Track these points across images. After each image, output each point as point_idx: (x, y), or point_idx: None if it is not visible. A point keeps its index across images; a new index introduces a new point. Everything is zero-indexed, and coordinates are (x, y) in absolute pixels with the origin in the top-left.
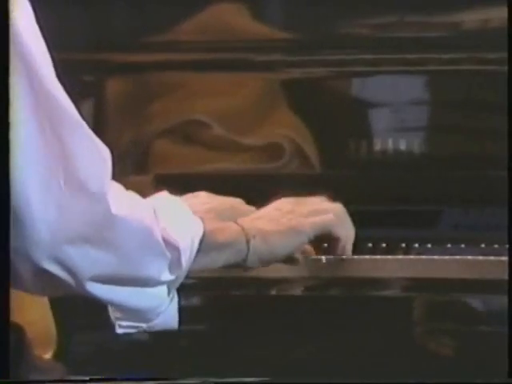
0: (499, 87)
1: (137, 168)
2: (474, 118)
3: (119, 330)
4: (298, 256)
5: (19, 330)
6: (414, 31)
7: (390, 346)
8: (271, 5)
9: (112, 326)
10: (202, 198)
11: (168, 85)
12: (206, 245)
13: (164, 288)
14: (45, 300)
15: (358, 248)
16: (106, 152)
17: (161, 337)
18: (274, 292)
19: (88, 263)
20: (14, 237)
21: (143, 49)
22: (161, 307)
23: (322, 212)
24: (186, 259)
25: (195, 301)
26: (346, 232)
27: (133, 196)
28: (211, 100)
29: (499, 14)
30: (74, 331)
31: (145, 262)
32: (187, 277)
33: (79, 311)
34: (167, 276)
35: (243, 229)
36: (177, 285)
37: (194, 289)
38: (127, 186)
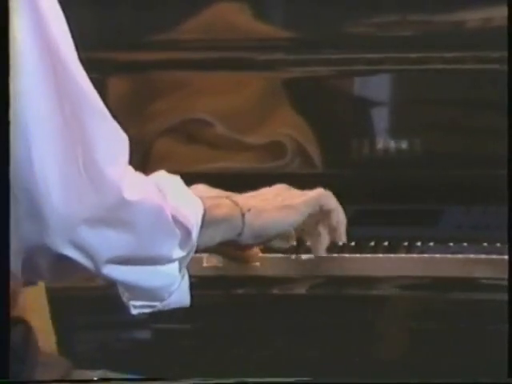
0: (501, 86)
1: (139, 166)
2: (476, 116)
3: (134, 311)
4: (292, 235)
5: (24, 323)
6: (416, 30)
7: (390, 344)
8: (273, 4)
9: (112, 326)
10: (201, 189)
11: (171, 83)
12: (205, 221)
13: (175, 266)
14: (43, 297)
15: (360, 246)
16: (124, 139)
17: (161, 337)
18: (275, 291)
19: (105, 245)
20: (32, 228)
21: (146, 47)
22: (173, 285)
23: (310, 193)
24: (195, 235)
25: (196, 300)
26: (337, 206)
27: (141, 177)
28: (214, 99)
29: (501, 13)
30: (74, 330)
31: (157, 241)
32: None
33: (80, 310)
34: (179, 253)
35: (237, 204)
36: (187, 261)
37: (194, 288)
38: None
